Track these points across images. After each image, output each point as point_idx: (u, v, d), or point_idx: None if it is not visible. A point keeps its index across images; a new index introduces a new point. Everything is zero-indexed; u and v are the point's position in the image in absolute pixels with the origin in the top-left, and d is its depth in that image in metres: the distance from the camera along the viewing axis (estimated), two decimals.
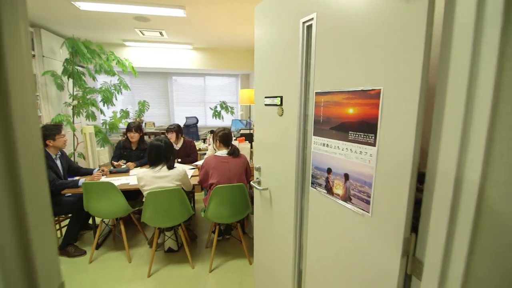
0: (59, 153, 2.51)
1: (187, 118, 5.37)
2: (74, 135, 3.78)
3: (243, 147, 3.09)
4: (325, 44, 1.00)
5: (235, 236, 2.77)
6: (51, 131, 2.34)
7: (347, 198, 0.94)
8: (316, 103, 1.06)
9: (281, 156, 1.33)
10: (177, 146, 3.25)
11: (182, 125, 5.72)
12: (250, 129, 4.24)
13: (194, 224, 3.08)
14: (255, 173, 1.59)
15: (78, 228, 2.45)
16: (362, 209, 0.88)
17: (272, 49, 1.34)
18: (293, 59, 1.18)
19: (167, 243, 2.51)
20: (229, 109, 5.67)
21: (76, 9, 2.93)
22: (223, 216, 2.17)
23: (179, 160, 3.20)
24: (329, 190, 1.02)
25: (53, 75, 3.48)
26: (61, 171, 2.51)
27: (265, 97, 1.43)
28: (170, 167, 2.06)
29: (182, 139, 3.28)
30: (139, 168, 3.01)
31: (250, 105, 4.11)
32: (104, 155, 4.35)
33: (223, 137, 2.29)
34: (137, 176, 2.03)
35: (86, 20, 3.35)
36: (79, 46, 3.46)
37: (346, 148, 0.92)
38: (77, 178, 2.51)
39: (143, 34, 4.05)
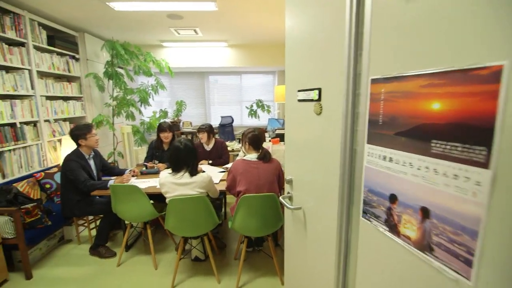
0: (92, 153, 2.51)
1: (222, 117, 5.25)
2: (114, 134, 3.89)
3: (277, 149, 2.80)
4: None
5: (267, 251, 2.49)
6: (82, 131, 2.33)
7: (425, 246, 0.59)
8: (373, 96, 0.72)
9: (318, 169, 1.01)
10: (208, 147, 3.09)
11: (217, 124, 5.66)
12: None
13: (224, 231, 2.89)
14: (286, 187, 1.29)
15: (108, 229, 2.42)
16: (456, 271, 0.53)
17: (306, 29, 1.02)
18: (335, 33, 0.85)
19: (194, 251, 2.35)
20: (266, 108, 5.43)
21: (112, 10, 2.94)
22: (251, 229, 1.91)
23: (210, 161, 3.04)
24: (393, 227, 0.68)
25: (95, 77, 3.61)
26: (94, 171, 2.51)
27: (298, 91, 1.12)
28: (193, 173, 1.86)
29: (213, 139, 3.10)
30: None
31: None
32: (142, 154, 4.44)
33: (253, 139, 2.02)
34: (159, 182, 1.88)
35: (123, 21, 3.38)
36: (117, 48, 3.52)
37: (427, 167, 0.57)
38: (107, 179, 2.49)
39: (179, 33, 4.00)
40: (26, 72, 2.78)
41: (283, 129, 4.12)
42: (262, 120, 5.59)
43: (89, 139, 2.37)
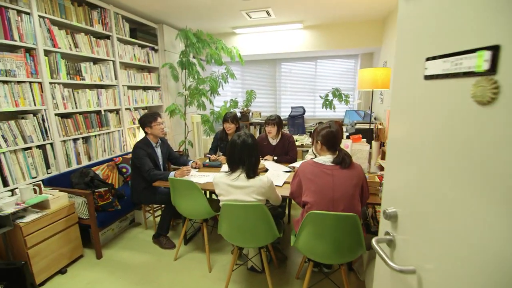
0: (159, 141, 2.50)
1: (292, 108, 4.82)
2: (185, 123, 3.97)
3: (358, 149, 2.23)
4: None
5: (337, 277, 2.02)
6: (148, 119, 2.32)
7: None
8: None
9: (468, 201, 0.52)
10: (274, 141, 2.75)
11: (287, 115, 5.27)
12: (370, 124, 3.22)
13: (286, 240, 2.53)
14: (383, 223, 0.82)
15: (169, 220, 2.38)
16: None
17: None
18: None
19: (250, 261, 2.08)
20: (343, 97, 4.73)
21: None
22: (318, 253, 1.49)
23: (275, 158, 2.70)
24: None
25: (170, 67, 3.70)
26: (161, 159, 2.50)
27: (428, 59, 0.63)
28: (250, 175, 1.54)
29: (280, 133, 2.74)
30: None
31: (372, 91, 3.08)
32: (210, 143, 4.46)
33: (328, 137, 1.55)
34: (213, 181, 1.64)
35: (196, 9, 3.30)
36: (190, 36, 3.50)
37: None
38: (176, 167, 2.46)
39: (250, 17, 3.72)
40: (111, 63, 2.98)
41: (366, 123, 3.42)
42: (338, 112, 4.91)
43: (154, 127, 2.34)
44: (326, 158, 1.54)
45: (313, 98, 5.33)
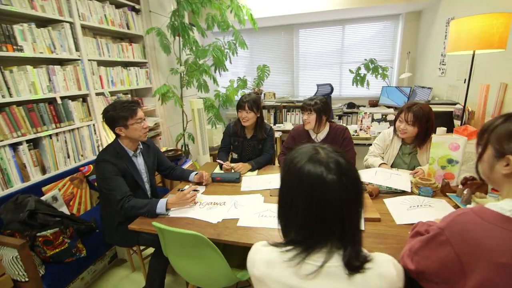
0: (140, 146, 1.57)
1: (318, 86, 3.82)
2: (183, 111, 3.02)
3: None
4: None
5: None
6: (120, 113, 1.37)
7: None
8: None
9: None
10: (318, 137, 1.83)
11: (307, 97, 4.29)
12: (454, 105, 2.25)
13: None
14: None
15: (162, 270, 1.50)
16: None
17: None
18: None
19: None
20: (380, 71, 3.71)
21: None
22: None
23: None
24: None
25: (158, 34, 2.69)
26: (145, 175, 1.59)
27: None
28: (354, 263, 0.60)
29: (327, 124, 1.80)
30: (255, 174, 1.80)
31: (473, 55, 1.97)
32: (218, 135, 3.53)
33: None
34: (249, 261, 0.71)
35: None
36: None
37: None
38: (157, 199, 1.54)
39: None
40: (67, 26, 1.99)
41: (449, 103, 2.36)
42: (373, 89, 3.93)
43: (132, 127, 1.41)
44: None
45: (340, 72, 4.31)
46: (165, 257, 1.29)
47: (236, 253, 1.33)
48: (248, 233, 1.13)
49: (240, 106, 1.90)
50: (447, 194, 1.34)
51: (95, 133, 2.25)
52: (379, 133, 2.79)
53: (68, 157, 2.03)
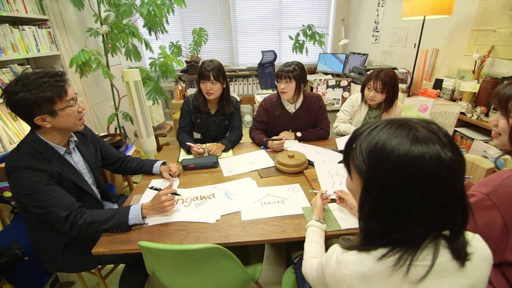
0: (74, 138, 1.12)
1: (263, 53, 3.63)
2: (112, 85, 2.41)
3: (443, 111, 1.41)
4: None
5: None
6: (41, 94, 0.90)
7: None
8: None
9: None
10: (293, 107, 1.70)
11: (247, 65, 4.07)
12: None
13: None
14: None
15: None
16: None
17: None
18: None
19: None
20: (317, 37, 3.77)
21: None
22: None
23: (299, 134, 1.69)
24: None
25: None
26: (88, 173, 1.17)
27: None
28: (460, 253, 0.50)
29: (301, 93, 1.68)
30: (231, 155, 1.57)
31: (423, 21, 2.02)
32: (158, 113, 3.01)
33: None
34: (332, 282, 0.52)
35: None
36: None
37: None
38: (128, 206, 1.18)
39: None
40: None
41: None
42: (311, 56, 4.01)
43: (62, 113, 0.96)
44: None
45: (279, 39, 4.20)
46: (145, 273, 1.01)
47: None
48: (261, 227, 0.96)
49: (203, 76, 1.58)
50: None
51: None
52: (334, 99, 2.90)
53: None
